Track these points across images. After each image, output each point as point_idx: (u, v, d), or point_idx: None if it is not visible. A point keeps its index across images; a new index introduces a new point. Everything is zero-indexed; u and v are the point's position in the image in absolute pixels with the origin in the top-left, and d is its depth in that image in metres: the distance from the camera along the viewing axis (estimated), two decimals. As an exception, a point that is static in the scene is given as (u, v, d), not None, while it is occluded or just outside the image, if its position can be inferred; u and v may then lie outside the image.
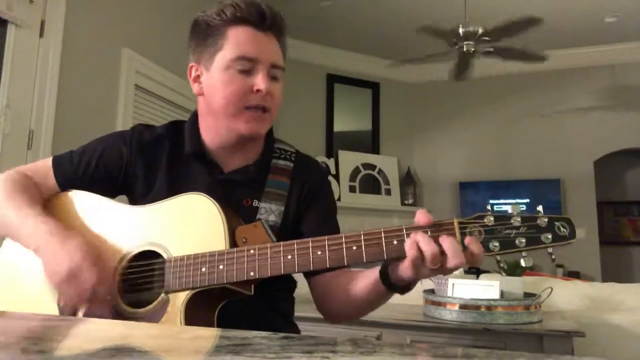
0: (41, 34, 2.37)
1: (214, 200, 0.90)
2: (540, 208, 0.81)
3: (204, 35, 1.01)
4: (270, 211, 1.02)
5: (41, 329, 0.69)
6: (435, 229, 0.81)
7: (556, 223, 0.79)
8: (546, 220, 0.79)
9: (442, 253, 0.79)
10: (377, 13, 4.58)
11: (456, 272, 1.39)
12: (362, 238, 0.83)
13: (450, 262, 0.78)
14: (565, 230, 0.79)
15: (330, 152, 5.36)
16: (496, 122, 5.45)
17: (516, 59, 3.93)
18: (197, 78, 1.04)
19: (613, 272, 5.17)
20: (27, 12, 2.30)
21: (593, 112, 5.08)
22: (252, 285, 0.89)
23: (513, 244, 0.79)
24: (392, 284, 0.88)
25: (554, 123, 5.21)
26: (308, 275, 1.03)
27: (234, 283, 0.86)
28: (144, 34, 3.09)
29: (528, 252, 0.80)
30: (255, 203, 1.02)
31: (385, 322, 1.56)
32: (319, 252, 0.84)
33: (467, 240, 0.79)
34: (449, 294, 1.61)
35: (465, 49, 3.62)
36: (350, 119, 5.72)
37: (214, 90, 1.00)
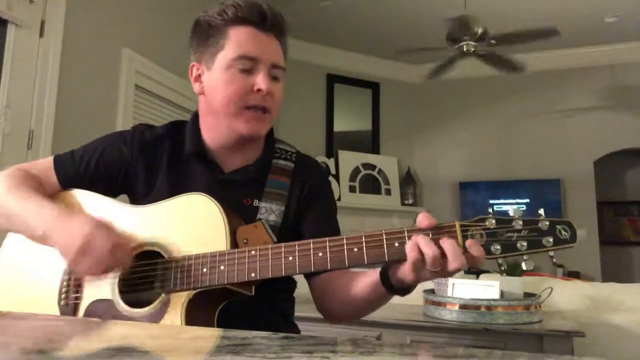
0: (41, 34, 2.37)
1: (215, 201, 0.90)
2: (541, 211, 0.81)
3: (206, 35, 1.02)
4: (270, 211, 1.02)
5: (41, 329, 0.69)
6: (437, 232, 0.81)
7: (557, 226, 0.79)
8: (547, 223, 0.79)
9: (443, 256, 0.79)
10: (377, 13, 4.58)
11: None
12: (364, 240, 0.83)
13: (451, 264, 0.78)
14: (566, 233, 0.79)
15: (330, 152, 5.36)
16: (496, 122, 5.45)
17: (526, 41, 3.84)
18: (198, 77, 1.05)
19: (613, 272, 5.17)
20: (27, 12, 2.30)
21: (593, 112, 5.08)
22: (253, 286, 0.89)
23: (514, 247, 0.79)
24: (392, 286, 0.88)
25: (554, 123, 5.21)
26: (308, 275, 1.03)
27: (235, 284, 0.86)
28: (144, 34, 3.09)
29: (529, 256, 0.80)
30: (256, 203, 1.02)
31: (385, 322, 1.56)
32: (320, 254, 0.84)
33: (468, 243, 0.79)
34: (449, 294, 1.61)
35: (465, 49, 3.62)
36: (350, 119, 5.72)
37: (215, 89, 1.00)
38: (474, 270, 2.11)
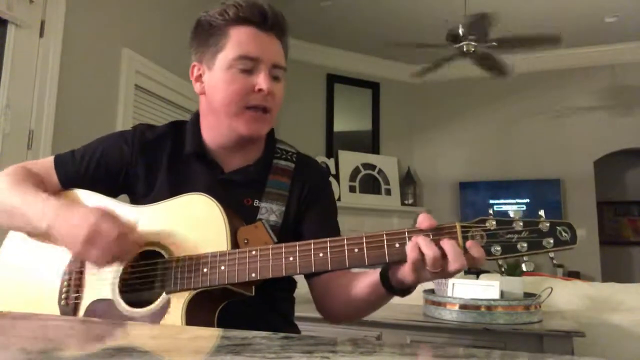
0: (41, 34, 2.37)
1: (216, 201, 0.90)
2: (542, 212, 0.81)
3: (207, 34, 1.02)
4: (271, 211, 1.02)
5: (41, 329, 0.69)
6: (437, 233, 0.81)
7: (558, 228, 0.79)
8: (548, 225, 0.79)
9: (444, 256, 0.79)
10: (377, 13, 4.57)
11: (456, 272, 1.38)
12: (364, 240, 0.83)
13: (452, 265, 0.78)
14: (566, 235, 0.79)
15: (330, 152, 5.36)
16: (496, 122, 5.45)
17: (531, 46, 3.85)
18: (199, 77, 1.05)
19: (613, 272, 5.17)
20: (27, 12, 2.30)
21: (593, 112, 5.08)
22: (253, 286, 0.89)
23: (515, 249, 0.79)
24: (392, 287, 0.88)
25: (554, 123, 5.21)
26: (308, 275, 1.03)
27: (235, 284, 0.86)
28: (144, 34, 3.09)
29: (529, 257, 0.81)
30: (256, 203, 1.02)
31: (385, 322, 1.56)
32: (321, 254, 0.84)
33: (469, 244, 0.79)
34: (449, 294, 1.61)
35: (465, 49, 3.61)
36: (350, 119, 5.72)
37: (216, 89, 1.00)
38: (474, 270, 2.11)
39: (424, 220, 0.82)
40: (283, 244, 0.86)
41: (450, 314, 1.55)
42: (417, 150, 5.73)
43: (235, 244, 0.88)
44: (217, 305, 0.89)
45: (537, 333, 1.44)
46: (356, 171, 5.33)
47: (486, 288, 1.58)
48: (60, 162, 1.05)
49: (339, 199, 4.89)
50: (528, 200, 5.22)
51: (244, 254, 0.86)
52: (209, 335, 0.66)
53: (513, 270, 1.67)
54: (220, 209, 0.89)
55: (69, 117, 2.48)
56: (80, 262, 0.95)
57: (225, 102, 0.99)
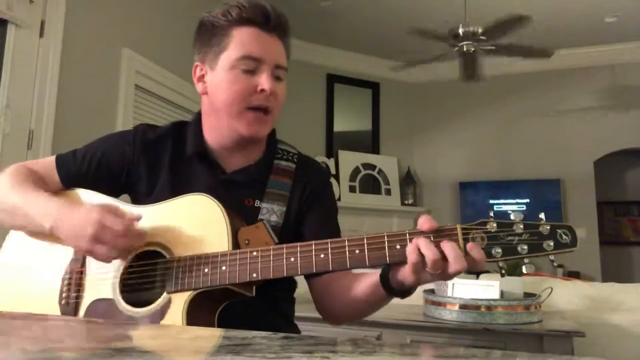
0: (41, 34, 2.37)
1: (217, 202, 0.90)
2: (542, 215, 0.81)
3: (209, 35, 1.02)
4: (272, 211, 1.02)
5: (41, 329, 0.69)
6: (438, 235, 0.81)
7: (558, 230, 0.80)
8: (548, 227, 0.80)
9: (444, 258, 0.79)
10: (377, 13, 4.58)
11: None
12: (365, 241, 0.83)
13: (452, 267, 0.79)
14: (567, 237, 0.79)
15: (330, 152, 5.36)
16: (496, 122, 5.45)
17: (521, 56, 3.90)
18: (201, 77, 1.05)
19: (613, 272, 5.17)
20: (27, 12, 2.30)
21: (593, 112, 5.09)
22: (254, 287, 0.89)
23: (515, 251, 0.80)
24: (392, 288, 0.88)
25: (554, 123, 5.21)
26: (309, 276, 1.03)
27: (236, 284, 0.86)
28: (144, 34, 3.09)
29: (529, 259, 0.81)
30: (257, 203, 1.02)
31: (385, 322, 1.56)
32: (322, 255, 0.84)
33: (469, 246, 0.79)
34: (449, 294, 1.61)
35: (465, 49, 3.62)
36: (350, 119, 5.72)
37: (218, 89, 1.01)
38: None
39: (424, 222, 0.82)
40: (284, 245, 0.86)
41: (450, 314, 1.55)
42: (417, 150, 5.74)
43: (236, 244, 0.89)
44: (217, 306, 0.89)
45: (537, 333, 1.44)
46: (356, 171, 5.34)
47: (486, 288, 1.58)
48: (62, 162, 1.06)
49: (339, 199, 4.89)
50: (528, 200, 5.22)
51: (245, 254, 0.86)
52: (209, 335, 0.66)
53: (513, 270, 1.67)
54: (222, 209, 0.90)
55: (69, 117, 2.48)
56: (81, 261, 0.96)
57: (227, 102, 0.99)
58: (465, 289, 1.60)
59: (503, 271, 0.82)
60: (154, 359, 0.52)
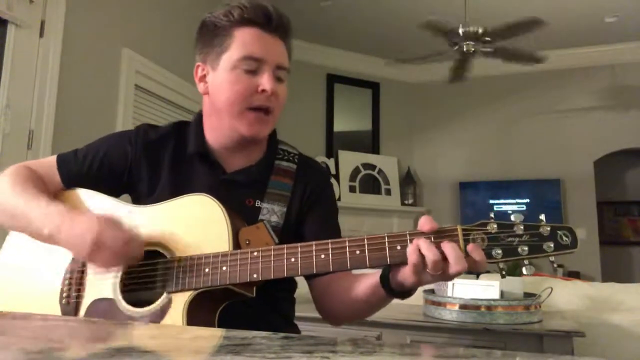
0: (41, 34, 2.37)
1: (218, 202, 0.91)
2: (542, 217, 0.82)
3: (211, 35, 1.02)
4: (272, 212, 1.02)
5: (41, 329, 0.69)
6: (439, 236, 0.81)
7: (558, 232, 0.80)
8: (549, 229, 0.80)
9: (444, 259, 0.79)
10: (377, 13, 4.57)
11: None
12: (366, 242, 0.83)
13: (452, 268, 0.79)
14: (567, 239, 0.80)
15: (330, 152, 5.36)
16: (496, 122, 5.45)
17: (514, 60, 3.92)
18: (203, 78, 1.05)
19: (613, 272, 5.17)
20: (27, 12, 2.30)
21: (593, 112, 5.09)
22: (254, 287, 0.89)
23: (516, 252, 0.80)
24: (392, 289, 0.88)
25: (554, 123, 5.21)
26: (309, 276, 1.03)
27: (237, 284, 0.86)
28: (144, 34, 3.09)
29: (530, 260, 0.81)
30: (258, 203, 1.03)
31: (385, 322, 1.56)
32: (323, 256, 0.84)
33: (470, 247, 0.80)
34: (449, 294, 1.61)
35: (465, 49, 3.61)
36: (350, 119, 5.72)
37: (220, 89, 1.01)
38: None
39: (425, 223, 0.82)
40: (285, 245, 0.86)
41: (450, 314, 1.55)
42: (417, 150, 5.74)
43: (236, 244, 0.89)
44: (218, 306, 0.89)
45: (537, 333, 1.44)
46: (356, 171, 5.33)
47: (486, 288, 1.58)
48: (63, 162, 1.05)
49: (339, 199, 4.89)
50: (528, 200, 5.22)
51: (245, 254, 0.86)
52: (209, 335, 0.66)
53: (513, 270, 1.66)
54: (222, 209, 0.90)
55: (69, 117, 2.48)
56: (82, 261, 0.96)
57: (228, 103, 1.00)
58: (465, 289, 1.60)
59: (504, 272, 0.82)
60: (154, 359, 0.52)
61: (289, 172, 1.08)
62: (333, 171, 5.18)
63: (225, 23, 1.01)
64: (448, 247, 0.79)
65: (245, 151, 1.06)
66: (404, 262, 0.82)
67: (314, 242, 0.85)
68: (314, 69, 5.27)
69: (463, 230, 0.81)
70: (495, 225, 0.81)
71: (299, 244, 0.86)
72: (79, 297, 0.94)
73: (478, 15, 3.81)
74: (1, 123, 2.17)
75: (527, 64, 3.99)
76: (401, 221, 5.32)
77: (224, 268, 0.86)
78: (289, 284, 1.11)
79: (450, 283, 1.62)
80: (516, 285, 1.65)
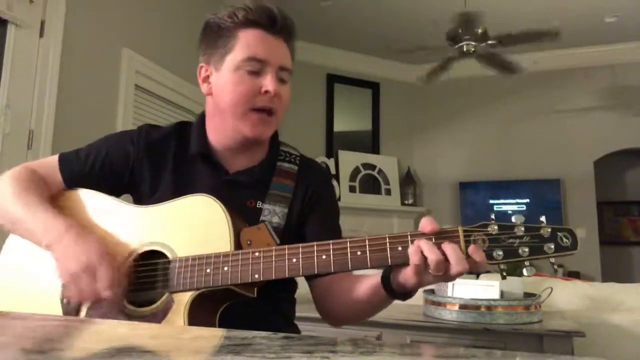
0: (41, 34, 2.37)
1: (220, 202, 0.91)
2: (543, 218, 0.82)
3: (215, 36, 1.03)
4: (274, 213, 1.02)
5: (41, 329, 0.69)
6: (440, 237, 0.82)
7: (559, 233, 0.80)
8: (549, 230, 0.81)
9: (445, 260, 0.79)
10: (377, 13, 4.58)
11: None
12: (367, 243, 0.83)
13: (454, 269, 0.79)
14: (567, 240, 0.80)
15: (330, 152, 5.36)
16: (496, 122, 5.45)
17: (495, 67, 3.91)
18: (206, 78, 1.06)
19: (613, 272, 5.17)
20: (27, 12, 2.30)
21: (593, 112, 5.09)
22: (256, 288, 0.89)
23: (516, 253, 0.80)
24: (393, 290, 0.88)
25: (554, 123, 5.21)
26: (310, 277, 1.03)
27: (238, 285, 0.86)
28: (144, 34, 3.09)
29: (530, 261, 0.82)
30: (259, 204, 1.03)
31: (385, 322, 1.56)
32: (324, 256, 0.84)
33: (471, 249, 0.80)
34: (449, 294, 1.61)
35: (465, 49, 3.61)
36: (350, 119, 5.72)
37: (223, 90, 1.01)
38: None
39: (426, 224, 0.82)
40: (286, 246, 0.86)
41: (450, 314, 1.55)
42: (417, 150, 5.74)
43: (238, 245, 0.89)
44: (219, 306, 0.89)
45: (537, 333, 1.44)
46: (356, 171, 5.34)
47: (486, 288, 1.58)
48: (65, 161, 1.06)
49: (338, 199, 4.89)
50: (528, 200, 5.22)
51: (247, 255, 0.86)
52: (209, 335, 0.66)
53: (513, 270, 1.66)
54: (224, 210, 0.90)
55: (69, 117, 2.48)
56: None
57: (232, 103, 1.00)
58: (465, 289, 1.60)
59: (504, 273, 0.83)
60: (154, 359, 0.52)
61: (291, 174, 1.08)
62: (333, 171, 5.18)
63: (230, 24, 1.01)
64: (449, 248, 0.79)
65: (248, 152, 1.06)
66: (405, 263, 0.82)
67: (315, 243, 0.85)
68: (314, 69, 5.27)
69: (464, 231, 0.82)
70: (496, 227, 0.82)
71: (300, 245, 0.86)
72: (79, 297, 0.94)
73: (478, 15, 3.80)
74: (1, 123, 2.17)
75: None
76: (401, 221, 5.32)
77: (226, 268, 0.86)
78: (289, 284, 1.11)
79: (450, 283, 1.62)
80: (516, 285, 1.65)
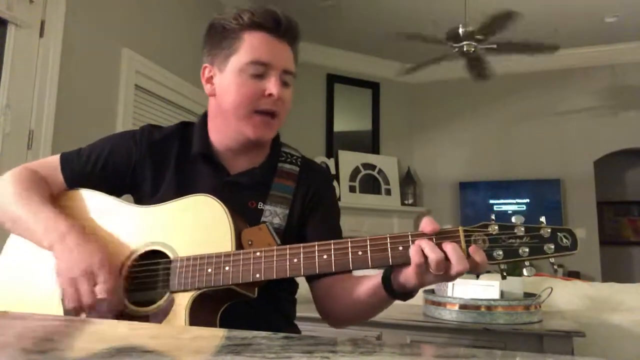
0: (41, 34, 2.37)
1: (221, 202, 0.91)
2: (543, 219, 0.82)
3: (220, 37, 1.03)
4: (274, 214, 1.02)
5: (41, 329, 0.69)
6: (440, 237, 0.82)
7: (559, 234, 0.81)
8: (549, 230, 0.81)
9: (446, 259, 0.80)
10: (377, 13, 4.57)
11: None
12: (368, 243, 0.84)
13: (454, 268, 0.79)
14: (567, 241, 0.81)
15: (330, 152, 5.36)
16: (496, 122, 5.45)
17: (525, 52, 3.89)
18: (210, 79, 1.06)
19: (613, 272, 5.17)
20: (27, 12, 2.30)
21: (593, 112, 5.09)
22: (256, 288, 0.89)
23: (516, 253, 0.81)
24: (393, 290, 0.88)
25: (554, 123, 5.21)
26: (311, 278, 1.04)
27: (239, 285, 0.86)
28: (144, 34, 3.09)
29: (530, 261, 0.82)
30: (260, 205, 1.03)
31: (385, 322, 1.56)
32: (325, 256, 0.84)
33: (472, 249, 0.80)
34: (449, 294, 1.61)
35: (465, 49, 3.61)
36: (350, 119, 5.72)
37: (227, 92, 1.01)
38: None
39: (427, 225, 0.82)
40: (287, 246, 0.87)
41: (450, 314, 1.55)
42: (417, 150, 5.74)
43: (239, 245, 0.89)
44: (219, 306, 0.89)
45: (537, 333, 1.44)
46: (356, 171, 5.33)
47: (486, 288, 1.58)
48: (66, 161, 1.06)
49: (338, 199, 4.88)
50: (528, 200, 5.22)
51: (248, 254, 0.86)
52: (210, 335, 0.66)
53: (513, 270, 1.66)
54: (226, 210, 0.90)
55: (69, 117, 2.48)
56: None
57: (235, 105, 1.00)
58: (465, 289, 1.60)
59: (504, 273, 0.83)
60: (155, 359, 0.52)
61: (292, 175, 1.08)
62: (333, 171, 5.18)
63: (235, 26, 1.01)
64: (450, 248, 0.80)
65: (249, 153, 1.07)
66: (406, 263, 0.82)
67: (316, 243, 0.85)
68: (314, 69, 5.27)
69: (465, 231, 0.82)
70: (496, 227, 0.82)
71: (301, 245, 0.86)
72: (80, 297, 0.94)
73: (478, 15, 3.80)
74: (1, 123, 2.17)
75: (539, 54, 3.93)
76: (401, 221, 5.32)
77: (227, 268, 0.86)
78: (290, 284, 1.11)
79: (450, 283, 1.62)
80: (516, 285, 1.65)
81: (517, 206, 5.24)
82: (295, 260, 0.85)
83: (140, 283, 0.92)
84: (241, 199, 1.02)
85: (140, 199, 1.07)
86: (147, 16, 3.13)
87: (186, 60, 3.27)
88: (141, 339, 0.64)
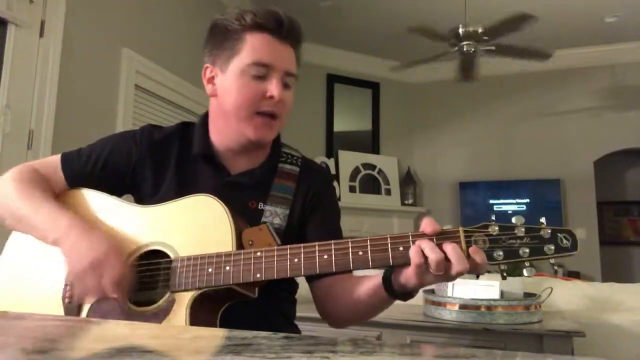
0: (41, 34, 2.36)
1: (222, 202, 0.91)
2: (543, 219, 0.83)
3: (222, 38, 1.03)
4: (275, 214, 1.02)
5: (41, 329, 0.69)
6: (441, 237, 0.82)
7: (559, 235, 0.81)
8: (549, 231, 0.81)
9: (447, 259, 0.80)
10: (377, 13, 4.57)
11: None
12: (369, 243, 0.84)
13: (454, 268, 0.80)
14: (567, 242, 0.81)
15: (330, 152, 5.36)
16: (496, 122, 5.45)
17: (520, 57, 3.92)
18: (211, 79, 1.06)
19: (613, 272, 5.17)
20: (27, 12, 2.30)
21: (593, 112, 5.09)
22: (257, 288, 0.89)
23: (517, 254, 0.81)
24: (394, 291, 0.88)
25: (554, 123, 5.21)
26: (311, 278, 1.04)
27: (240, 285, 0.86)
28: (144, 34, 3.09)
29: (530, 262, 0.82)
30: (261, 206, 1.03)
31: (385, 322, 1.56)
32: (325, 256, 0.84)
33: (472, 249, 0.81)
34: (449, 294, 1.61)
35: (465, 49, 3.61)
36: (350, 119, 5.72)
37: (228, 93, 1.01)
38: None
39: (427, 225, 0.83)
40: (288, 246, 0.87)
41: (450, 314, 1.55)
42: (417, 150, 5.74)
43: (240, 245, 0.89)
44: (220, 306, 0.90)
45: (537, 333, 1.44)
46: (356, 171, 5.33)
47: (486, 288, 1.58)
48: (67, 160, 1.06)
49: (338, 199, 4.88)
50: (528, 200, 5.22)
51: (248, 254, 0.86)
52: (210, 335, 0.66)
53: (513, 270, 1.66)
54: (226, 210, 0.90)
55: (69, 117, 2.48)
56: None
57: (236, 106, 1.00)
58: (465, 289, 1.60)
59: (504, 274, 0.83)
60: (155, 358, 0.52)
61: (292, 175, 1.08)
62: (333, 171, 5.18)
63: (237, 27, 1.01)
64: (450, 248, 0.80)
65: (250, 154, 1.07)
66: (406, 263, 0.82)
67: (317, 243, 0.86)
68: (314, 69, 5.27)
69: (465, 232, 0.82)
70: (496, 228, 0.82)
71: (302, 245, 0.86)
72: (80, 297, 0.94)
73: (478, 15, 3.80)
74: (1, 123, 2.17)
75: (533, 61, 3.97)
76: (401, 221, 5.32)
77: (228, 268, 0.86)
78: (290, 284, 1.11)
79: (450, 283, 1.62)
80: (516, 285, 1.65)
81: (517, 206, 5.24)
82: (296, 260, 0.85)
83: (141, 283, 0.93)
84: (242, 199, 1.02)
85: (141, 199, 1.07)
86: (147, 16, 3.13)
87: (186, 60, 3.27)
88: (141, 339, 0.64)
